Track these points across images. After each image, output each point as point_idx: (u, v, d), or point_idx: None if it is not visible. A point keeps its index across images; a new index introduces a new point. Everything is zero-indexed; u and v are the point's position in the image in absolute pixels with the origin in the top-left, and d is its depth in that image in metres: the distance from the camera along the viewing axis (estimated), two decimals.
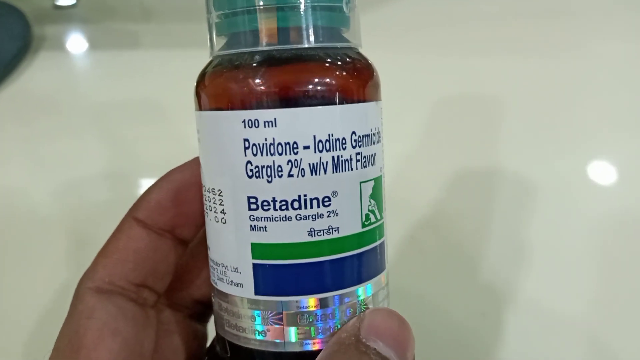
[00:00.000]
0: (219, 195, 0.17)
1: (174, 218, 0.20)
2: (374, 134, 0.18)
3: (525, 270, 0.32)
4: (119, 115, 0.41)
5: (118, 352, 0.18)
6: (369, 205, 0.18)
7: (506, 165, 0.36)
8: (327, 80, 0.17)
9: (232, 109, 0.17)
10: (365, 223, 0.18)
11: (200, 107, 0.18)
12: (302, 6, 0.17)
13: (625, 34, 0.42)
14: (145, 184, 0.37)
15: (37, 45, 0.46)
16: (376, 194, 0.18)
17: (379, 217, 0.18)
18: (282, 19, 0.17)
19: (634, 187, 0.35)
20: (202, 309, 0.23)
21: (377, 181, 0.18)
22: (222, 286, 0.18)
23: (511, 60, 0.41)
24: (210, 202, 0.18)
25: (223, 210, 0.17)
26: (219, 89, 0.17)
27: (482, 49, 0.42)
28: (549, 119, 0.38)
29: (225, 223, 0.18)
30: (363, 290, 0.18)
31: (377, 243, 0.18)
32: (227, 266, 0.18)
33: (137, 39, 0.46)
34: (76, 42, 0.48)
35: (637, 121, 0.37)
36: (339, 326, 0.17)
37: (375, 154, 0.18)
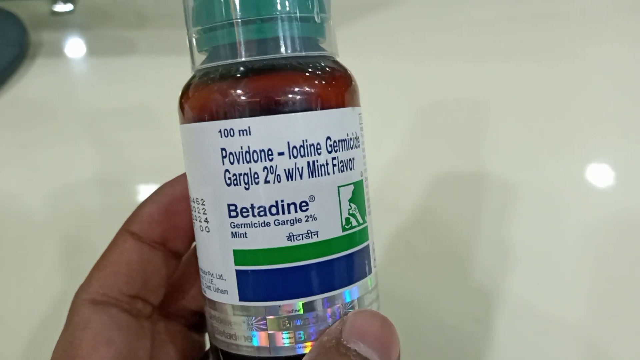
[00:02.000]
0: (202, 204, 0.18)
1: (166, 231, 0.21)
2: (351, 138, 0.18)
3: (519, 275, 0.32)
4: (115, 121, 0.41)
5: None
6: (349, 209, 0.18)
7: (501, 170, 0.36)
8: (299, 88, 0.17)
9: (210, 120, 0.17)
10: (346, 227, 0.18)
11: (182, 120, 0.18)
12: (274, 18, 0.17)
13: (618, 38, 0.42)
14: (141, 190, 0.38)
15: (34, 52, 0.46)
16: (357, 198, 0.18)
17: (361, 220, 0.18)
18: (257, 31, 0.17)
19: (627, 190, 0.35)
20: (199, 319, 0.23)
21: (358, 185, 0.18)
22: (210, 294, 0.19)
23: (505, 65, 0.41)
24: (195, 212, 0.18)
25: (206, 219, 0.18)
26: (196, 101, 0.18)
27: (476, 53, 0.42)
28: (543, 123, 0.38)
29: (209, 231, 0.18)
30: (348, 294, 0.18)
31: (361, 247, 0.18)
32: (213, 274, 0.18)
33: (134, 45, 0.46)
34: (73, 48, 0.48)
35: (630, 125, 0.38)
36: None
37: (353, 159, 0.18)
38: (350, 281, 0.18)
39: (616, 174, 0.35)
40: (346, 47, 0.44)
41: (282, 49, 0.17)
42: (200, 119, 0.18)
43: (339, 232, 0.18)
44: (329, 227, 0.17)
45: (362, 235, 0.19)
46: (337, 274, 0.18)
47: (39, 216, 0.37)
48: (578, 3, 0.45)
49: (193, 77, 0.19)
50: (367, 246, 0.19)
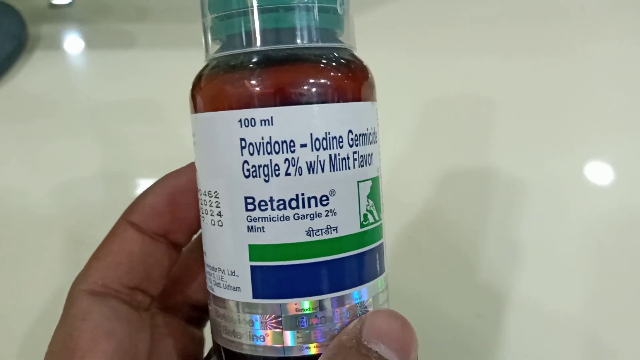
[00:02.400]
0: (215, 197, 0.17)
1: (168, 223, 0.20)
2: (370, 133, 0.18)
3: (521, 270, 0.32)
4: (115, 115, 0.40)
5: (112, 354, 0.18)
6: (367, 205, 0.17)
7: (502, 166, 0.36)
8: (323, 79, 0.17)
9: (229, 109, 0.17)
10: (364, 223, 0.17)
11: (195, 109, 0.18)
12: (297, 7, 0.17)
13: (618, 35, 0.42)
14: (142, 184, 0.37)
15: (33, 45, 0.46)
16: (374, 195, 0.18)
17: (377, 217, 0.18)
18: (277, 20, 0.17)
19: (628, 187, 0.35)
20: (198, 313, 0.22)
21: (375, 181, 0.18)
22: (218, 291, 0.18)
23: (506, 62, 0.41)
24: (206, 205, 0.18)
25: (219, 212, 0.17)
26: (214, 90, 0.17)
27: (479, 50, 0.42)
28: (544, 120, 0.38)
29: (222, 226, 0.17)
30: (362, 293, 0.18)
31: (376, 244, 0.18)
32: (224, 270, 0.18)
33: (133, 38, 0.46)
34: (72, 42, 0.47)
35: (631, 122, 0.37)
36: (338, 329, 0.17)
37: (372, 154, 0.18)
38: (366, 279, 0.18)
39: (617, 171, 0.35)
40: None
41: (302, 39, 0.17)
42: (216, 107, 0.17)
43: (357, 229, 0.17)
44: (348, 223, 0.17)
45: (378, 233, 0.18)
46: (353, 271, 0.17)
47: (40, 211, 0.36)
48: (579, 0, 0.45)
49: (206, 66, 0.18)
50: (382, 244, 0.19)
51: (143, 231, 0.20)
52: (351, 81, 0.17)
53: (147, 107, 0.40)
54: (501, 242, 0.33)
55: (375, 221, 0.18)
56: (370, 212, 0.18)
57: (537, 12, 0.44)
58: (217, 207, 0.17)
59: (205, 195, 0.18)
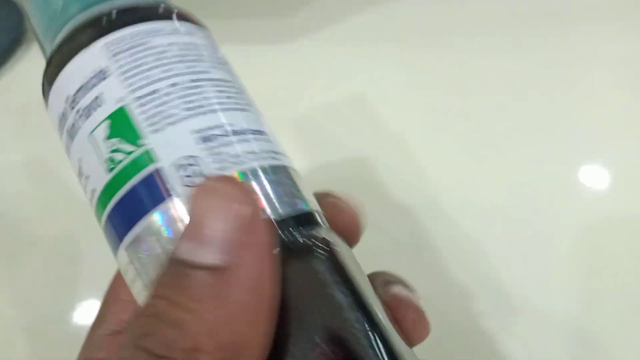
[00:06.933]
0: None
1: None
2: (92, 77, 0.17)
3: (521, 271, 0.32)
4: None
5: None
6: (109, 148, 0.16)
7: (501, 165, 0.36)
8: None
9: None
10: (111, 167, 0.16)
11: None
12: None
13: (617, 38, 0.42)
14: None
15: (31, 38, 0.46)
16: (119, 128, 0.16)
17: (128, 149, 0.16)
18: None
19: (625, 190, 0.35)
20: None
21: (117, 114, 0.16)
22: None
23: (505, 63, 0.41)
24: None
25: None
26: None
27: (478, 51, 0.42)
28: (543, 122, 0.38)
29: None
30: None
31: (143, 174, 0.16)
32: None
33: None
34: None
35: (628, 125, 0.38)
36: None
37: (98, 96, 0.17)
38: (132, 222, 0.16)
39: (616, 174, 0.35)
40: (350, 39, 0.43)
41: None
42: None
43: (107, 178, 0.16)
44: (98, 180, 0.17)
45: (140, 162, 0.16)
46: (121, 220, 0.16)
47: (35, 204, 0.36)
48: (575, 2, 0.45)
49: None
50: (157, 170, 0.16)
51: None
52: None
53: None
54: (502, 243, 0.33)
55: (131, 152, 0.16)
56: (117, 150, 0.16)
57: (534, 13, 0.45)
58: None
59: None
